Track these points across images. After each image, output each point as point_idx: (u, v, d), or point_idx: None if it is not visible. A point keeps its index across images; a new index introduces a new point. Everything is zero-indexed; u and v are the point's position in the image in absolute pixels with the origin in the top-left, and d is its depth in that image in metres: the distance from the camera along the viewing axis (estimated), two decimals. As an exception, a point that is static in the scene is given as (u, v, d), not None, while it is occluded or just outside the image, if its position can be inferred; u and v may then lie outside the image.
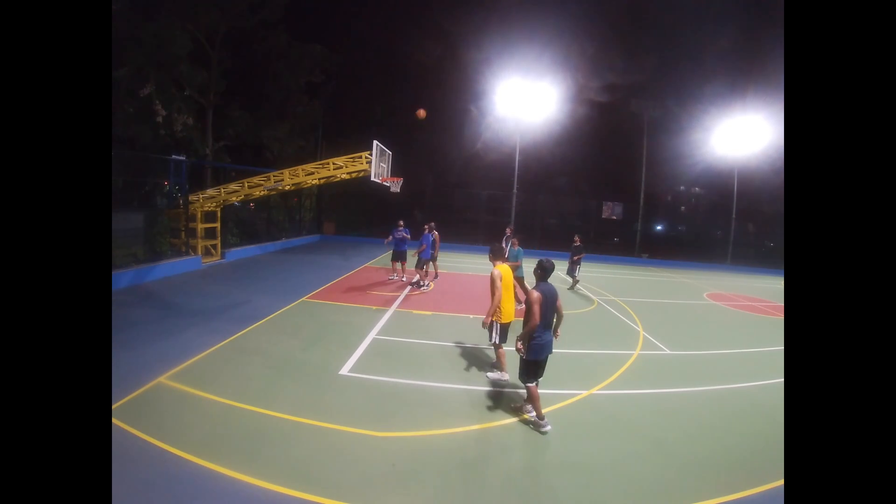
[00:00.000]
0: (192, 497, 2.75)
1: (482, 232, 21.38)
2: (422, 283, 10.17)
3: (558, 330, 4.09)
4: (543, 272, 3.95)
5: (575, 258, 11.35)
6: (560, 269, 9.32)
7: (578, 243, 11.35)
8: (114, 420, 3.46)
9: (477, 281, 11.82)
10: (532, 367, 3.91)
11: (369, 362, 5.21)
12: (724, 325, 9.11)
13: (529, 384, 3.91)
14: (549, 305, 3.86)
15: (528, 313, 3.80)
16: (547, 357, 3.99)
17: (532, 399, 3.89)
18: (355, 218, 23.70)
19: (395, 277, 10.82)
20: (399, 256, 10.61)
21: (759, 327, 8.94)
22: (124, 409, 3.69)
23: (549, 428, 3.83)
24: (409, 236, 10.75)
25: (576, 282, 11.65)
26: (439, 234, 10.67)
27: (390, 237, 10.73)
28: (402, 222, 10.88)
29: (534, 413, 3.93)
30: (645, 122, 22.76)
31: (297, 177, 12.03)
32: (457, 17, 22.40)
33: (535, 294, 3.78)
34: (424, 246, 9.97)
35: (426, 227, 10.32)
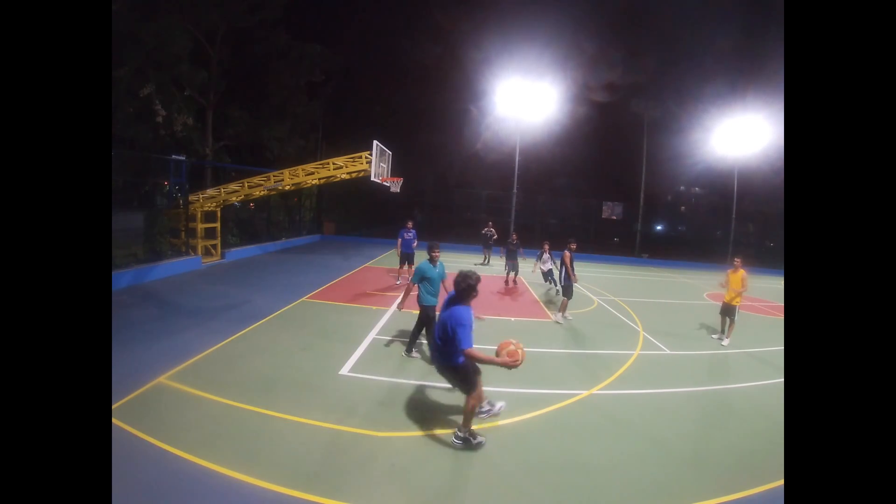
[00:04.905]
0: (192, 497, 2.75)
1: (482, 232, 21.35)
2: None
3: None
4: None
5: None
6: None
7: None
8: (114, 420, 3.46)
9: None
10: None
11: (369, 362, 5.21)
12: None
13: None
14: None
15: None
16: None
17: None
18: (355, 218, 23.69)
19: (401, 282, 10.43)
20: (407, 258, 10.38)
21: (759, 327, 8.93)
22: (124, 409, 3.69)
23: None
24: (416, 240, 10.52)
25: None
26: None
27: (400, 240, 10.38)
28: (410, 223, 10.64)
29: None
30: (645, 122, 22.74)
31: (297, 177, 12.03)
32: (457, 16, 22.42)
33: None
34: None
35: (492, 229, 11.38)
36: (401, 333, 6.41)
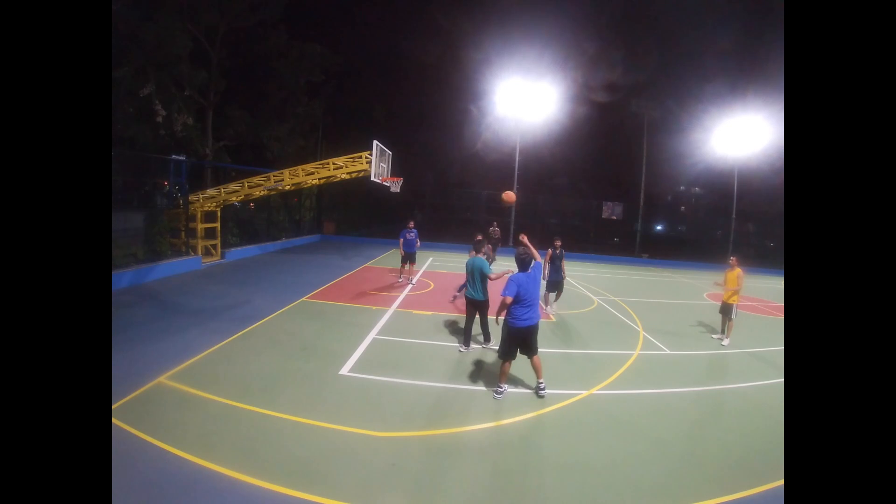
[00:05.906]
0: (192, 497, 2.74)
1: (482, 232, 21.37)
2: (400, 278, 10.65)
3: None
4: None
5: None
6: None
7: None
8: (114, 420, 3.46)
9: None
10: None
11: (369, 362, 5.21)
12: (724, 325, 9.10)
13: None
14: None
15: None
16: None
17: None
18: (355, 218, 23.69)
19: (402, 280, 10.43)
20: (408, 258, 10.28)
21: (759, 327, 8.94)
22: (124, 409, 3.69)
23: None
24: (418, 240, 10.30)
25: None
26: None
27: (402, 240, 10.21)
28: (412, 223, 10.44)
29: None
30: (645, 122, 22.74)
31: (297, 177, 12.03)
32: (457, 16, 22.43)
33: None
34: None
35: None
36: (401, 333, 6.41)
